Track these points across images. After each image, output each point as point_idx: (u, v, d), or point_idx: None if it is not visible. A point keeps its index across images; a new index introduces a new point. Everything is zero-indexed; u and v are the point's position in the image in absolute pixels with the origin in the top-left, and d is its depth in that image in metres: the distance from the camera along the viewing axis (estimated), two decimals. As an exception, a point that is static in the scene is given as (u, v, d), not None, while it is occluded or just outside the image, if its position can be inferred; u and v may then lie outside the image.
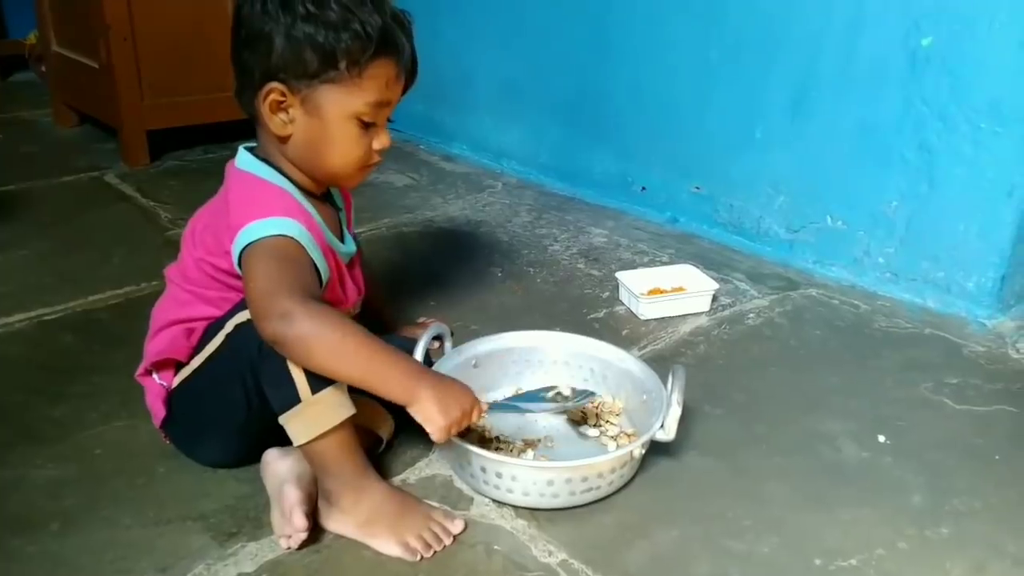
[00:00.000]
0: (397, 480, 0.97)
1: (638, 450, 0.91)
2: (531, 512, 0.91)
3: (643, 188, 1.87)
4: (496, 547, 0.86)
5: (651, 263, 1.60)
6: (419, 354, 0.99)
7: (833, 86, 1.51)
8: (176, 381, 0.93)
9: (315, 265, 0.85)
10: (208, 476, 0.96)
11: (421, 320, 1.29)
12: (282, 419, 0.83)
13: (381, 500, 0.87)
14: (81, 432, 1.03)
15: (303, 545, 0.85)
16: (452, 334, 1.13)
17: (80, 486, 0.94)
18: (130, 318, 1.31)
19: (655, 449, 0.97)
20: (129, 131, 2.03)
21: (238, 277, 0.87)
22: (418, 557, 0.84)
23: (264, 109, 0.86)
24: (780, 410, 1.13)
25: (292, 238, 0.83)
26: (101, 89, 2.07)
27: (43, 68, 2.50)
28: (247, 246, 0.82)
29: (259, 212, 0.83)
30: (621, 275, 1.43)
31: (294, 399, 0.82)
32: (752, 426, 1.09)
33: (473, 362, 1.09)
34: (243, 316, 0.85)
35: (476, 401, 0.87)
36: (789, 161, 1.60)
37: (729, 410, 1.12)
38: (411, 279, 1.50)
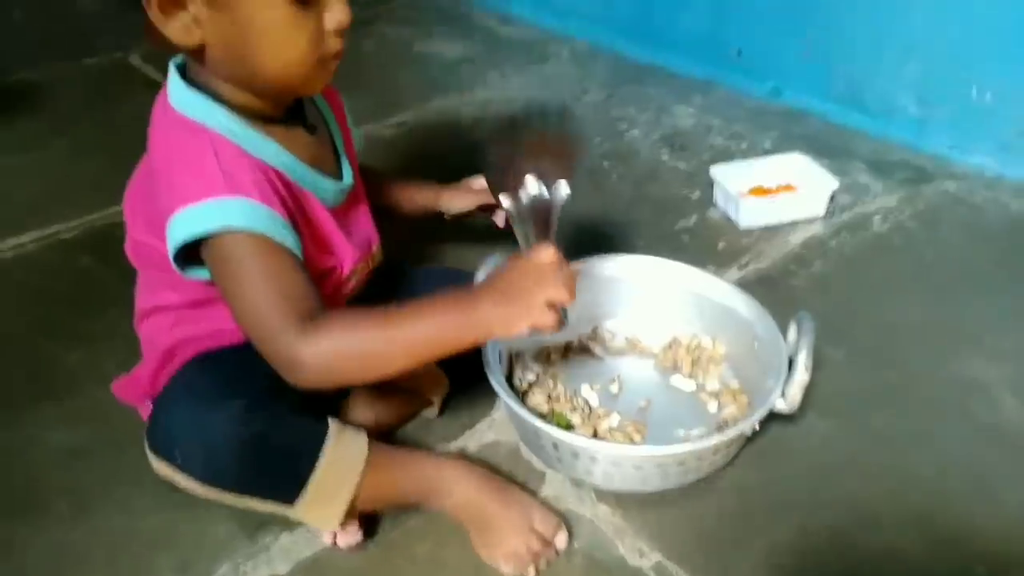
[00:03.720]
0: (454, 447, 0.82)
1: (754, 427, 0.73)
2: (616, 496, 0.75)
3: (739, 52, 1.57)
4: (574, 543, 0.71)
5: (750, 151, 1.35)
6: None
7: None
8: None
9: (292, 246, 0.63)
10: (237, 443, 0.82)
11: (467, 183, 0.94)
12: (295, 515, 0.66)
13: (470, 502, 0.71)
14: (97, 385, 0.90)
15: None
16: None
17: (94, 456, 0.82)
18: (152, 236, 1.16)
19: (767, 411, 0.79)
20: (149, 3, 1.81)
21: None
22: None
23: (153, 11, 0.58)
24: (917, 350, 0.92)
25: (247, 232, 0.59)
26: (116, -46, 1.83)
27: (58, -70, 2.26)
28: (194, 242, 0.60)
29: (194, 189, 0.60)
30: (716, 171, 1.19)
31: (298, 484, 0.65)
32: (883, 373, 0.89)
33: (541, 297, 0.90)
34: None
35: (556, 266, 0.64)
36: (925, 16, 1.28)
37: (853, 351, 0.92)
38: (466, 176, 1.30)
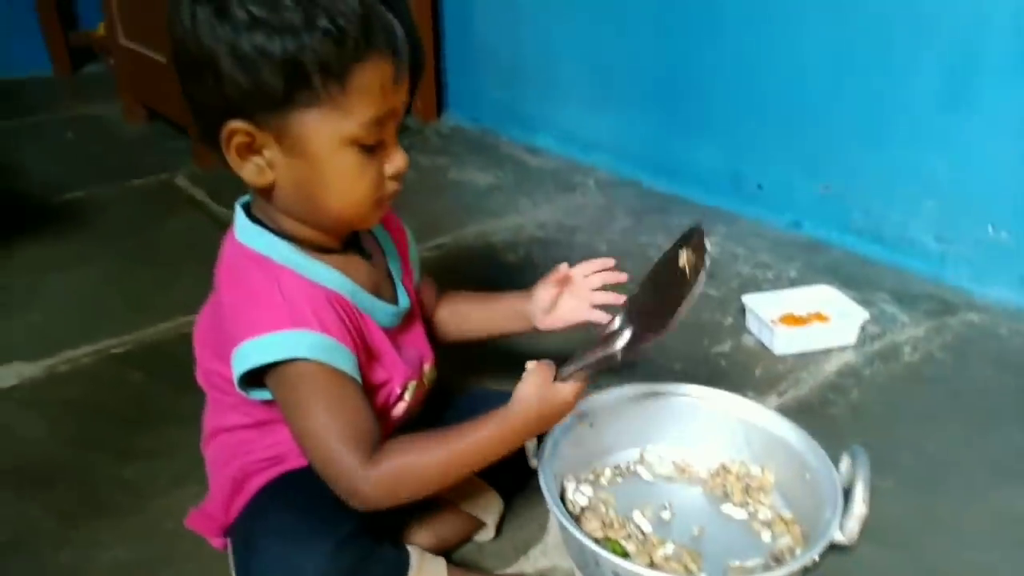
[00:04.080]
0: (511, 572, 0.82)
1: (812, 561, 0.74)
2: (677, 627, 0.75)
3: (759, 187, 1.66)
4: (638, 676, 0.71)
5: (777, 279, 1.40)
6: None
7: (1001, 70, 1.26)
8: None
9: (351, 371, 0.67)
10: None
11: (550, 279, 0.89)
12: None
13: None
14: (151, 499, 0.92)
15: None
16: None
17: (151, 573, 0.82)
18: (202, 353, 1.19)
19: (821, 541, 0.80)
20: (198, 130, 1.92)
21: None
22: None
23: (231, 156, 0.64)
24: (962, 480, 0.94)
25: (310, 361, 0.64)
26: (170, 85, 1.95)
27: (111, 61, 2.42)
28: (259, 371, 0.65)
29: (260, 322, 0.64)
30: (748, 300, 1.24)
31: None
32: (932, 503, 0.90)
33: (590, 422, 0.93)
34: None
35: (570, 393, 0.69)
36: (941, 160, 1.37)
37: (900, 480, 0.93)
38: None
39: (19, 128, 2.27)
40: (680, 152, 1.79)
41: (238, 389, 0.67)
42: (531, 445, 0.83)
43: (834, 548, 0.77)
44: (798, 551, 0.79)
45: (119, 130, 2.26)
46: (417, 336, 0.82)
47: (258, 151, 0.65)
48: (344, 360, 0.66)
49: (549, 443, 0.84)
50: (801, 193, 1.58)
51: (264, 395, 0.68)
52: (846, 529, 0.74)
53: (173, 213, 1.71)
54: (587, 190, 1.83)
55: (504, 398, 0.81)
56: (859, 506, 0.74)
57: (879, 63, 1.40)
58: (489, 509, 0.84)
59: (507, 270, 1.47)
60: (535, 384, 0.68)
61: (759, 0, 1.54)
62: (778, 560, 0.80)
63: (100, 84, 2.70)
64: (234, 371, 0.65)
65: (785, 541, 0.82)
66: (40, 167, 1.98)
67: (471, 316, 0.92)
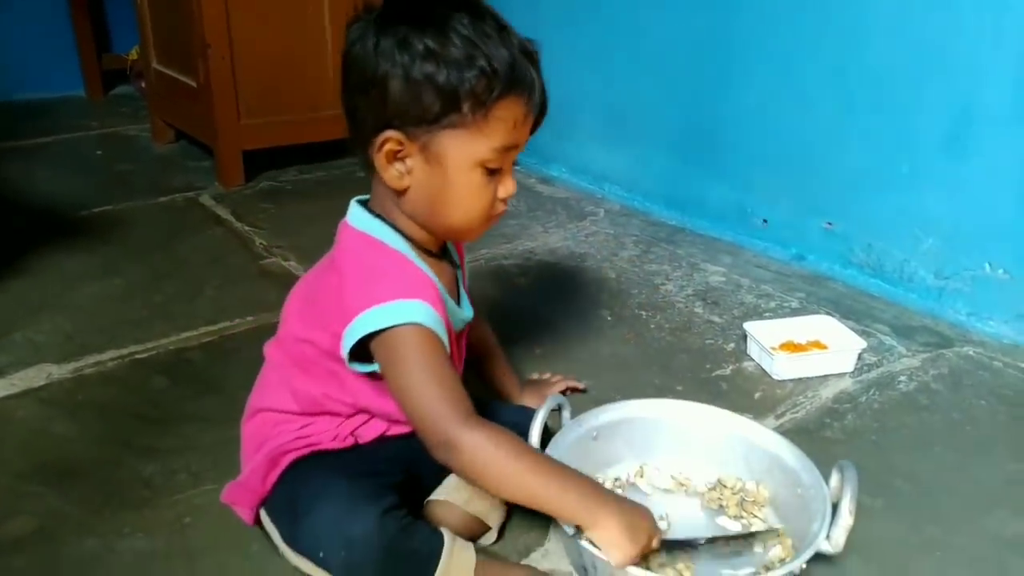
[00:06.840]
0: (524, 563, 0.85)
1: (800, 567, 0.77)
2: (669, 630, 0.78)
3: (764, 221, 1.71)
4: (631, 674, 0.74)
5: (779, 309, 1.44)
6: (537, 429, 0.88)
7: (999, 118, 1.32)
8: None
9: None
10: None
11: (536, 377, 1.17)
12: None
13: None
14: (171, 495, 0.96)
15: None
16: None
17: (168, 563, 0.86)
18: (222, 359, 1.24)
19: (811, 554, 0.83)
20: (225, 151, 1.99)
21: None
22: None
23: (379, 159, 0.76)
24: (952, 504, 0.97)
25: (426, 328, 0.73)
26: (198, 108, 2.04)
27: (143, 84, 2.51)
28: (375, 335, 0.73)
29: (381, 292, 0.74)
30: (750, 327, 1.28)
31: None
32: (921, 525, 0.93)
33: (594, 434, 0.97)
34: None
35: (656, 529, 0.77)
36: (941, 200, 1.42)
37: (891, 502, 0.97)
38: (514, 321, 1.39)
39: (52, 145, 2.36)
40: (689, 186, 1.85)
41: (345, 357, 0.74)
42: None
43: (822, 558, 0.81)
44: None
45: (147, 149, 2.34)
46: (462, 346, 0.91)
47: (403, 159, 0.75)
48: (446, 338, 0.75)
49: (554, 454, 0.88)
50: (805, 228, 1.63)
51: (361, 368, 0.76)
52: (832, 538, 0.78)
53: (197, 229, 1.76)
54: (597, 219, 1.89)
55: (517, 411, 0.93)
56: (845, 518, 0.77)
57: (881, 108, 1.46)
58: (493, 514, 0.87)
59: (517, 292, 1.52)
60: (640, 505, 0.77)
61: (768, 46, 1.61)
62: (769, 570, 0.83)
63: (129, 105, 2.80)
64: (347, 339, 0.73)
65: (776, 552, 0.85)
66: (71, 182, 2.05)
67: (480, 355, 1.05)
